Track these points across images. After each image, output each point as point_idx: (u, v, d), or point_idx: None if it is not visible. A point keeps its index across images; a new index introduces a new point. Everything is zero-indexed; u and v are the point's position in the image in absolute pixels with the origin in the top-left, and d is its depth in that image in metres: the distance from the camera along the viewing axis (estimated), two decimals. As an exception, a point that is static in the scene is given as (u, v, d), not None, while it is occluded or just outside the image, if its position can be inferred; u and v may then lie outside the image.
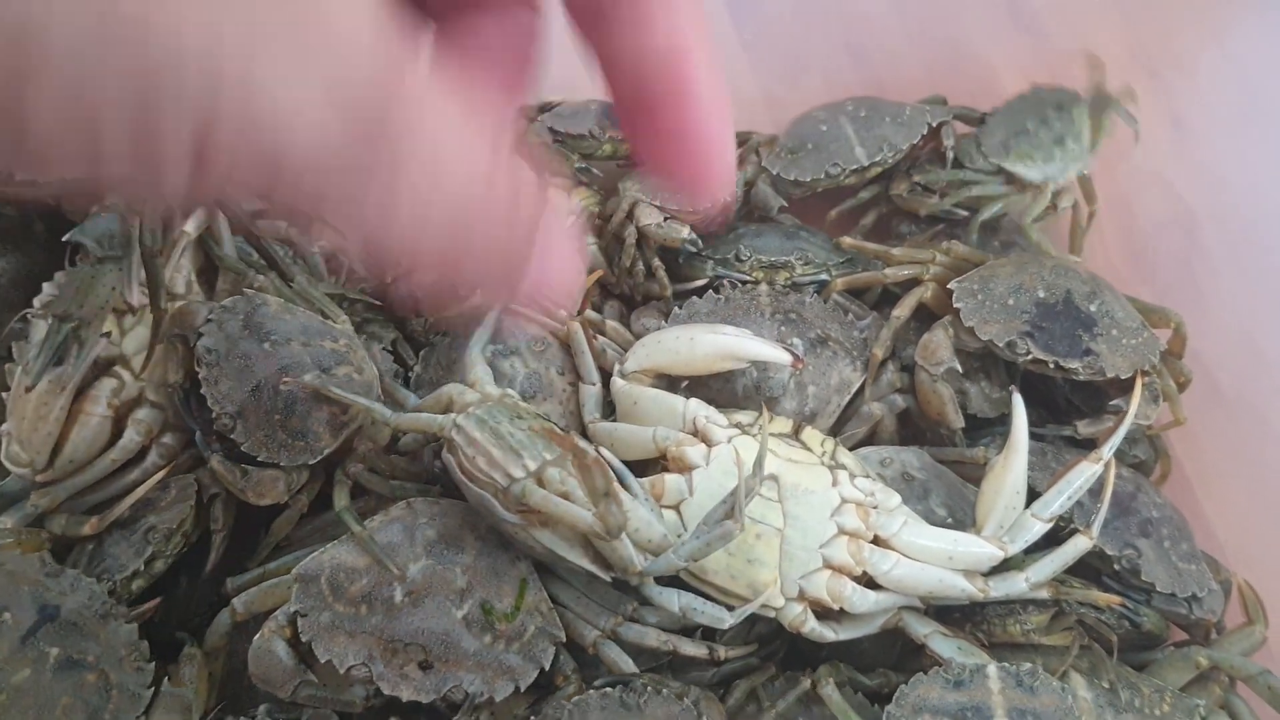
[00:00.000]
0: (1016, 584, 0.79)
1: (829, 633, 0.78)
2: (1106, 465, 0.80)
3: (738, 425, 0.82)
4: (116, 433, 0.83)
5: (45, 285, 0.83)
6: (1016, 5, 1.23)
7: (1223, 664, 0.84)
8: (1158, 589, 0.85)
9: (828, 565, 0.78)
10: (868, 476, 0.82)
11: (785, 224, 1.04)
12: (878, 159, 1.01)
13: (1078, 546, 0.79)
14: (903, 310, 0.94)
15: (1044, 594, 0.80)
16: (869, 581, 0.79)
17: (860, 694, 0.80)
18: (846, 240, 0.98)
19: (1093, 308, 0.91)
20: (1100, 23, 1.24)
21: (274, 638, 0.72)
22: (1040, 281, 0.92)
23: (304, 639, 0.71)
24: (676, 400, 0.84)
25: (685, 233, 0.95)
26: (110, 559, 0.79)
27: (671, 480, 0.80)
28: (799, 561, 0.78)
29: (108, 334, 0.83)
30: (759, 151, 1.07)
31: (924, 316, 0.95)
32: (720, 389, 0.89)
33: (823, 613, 0.78)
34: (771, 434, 0.82)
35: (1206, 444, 0.98)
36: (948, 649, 0.78)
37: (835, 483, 0.80)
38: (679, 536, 0.74)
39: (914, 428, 0.93)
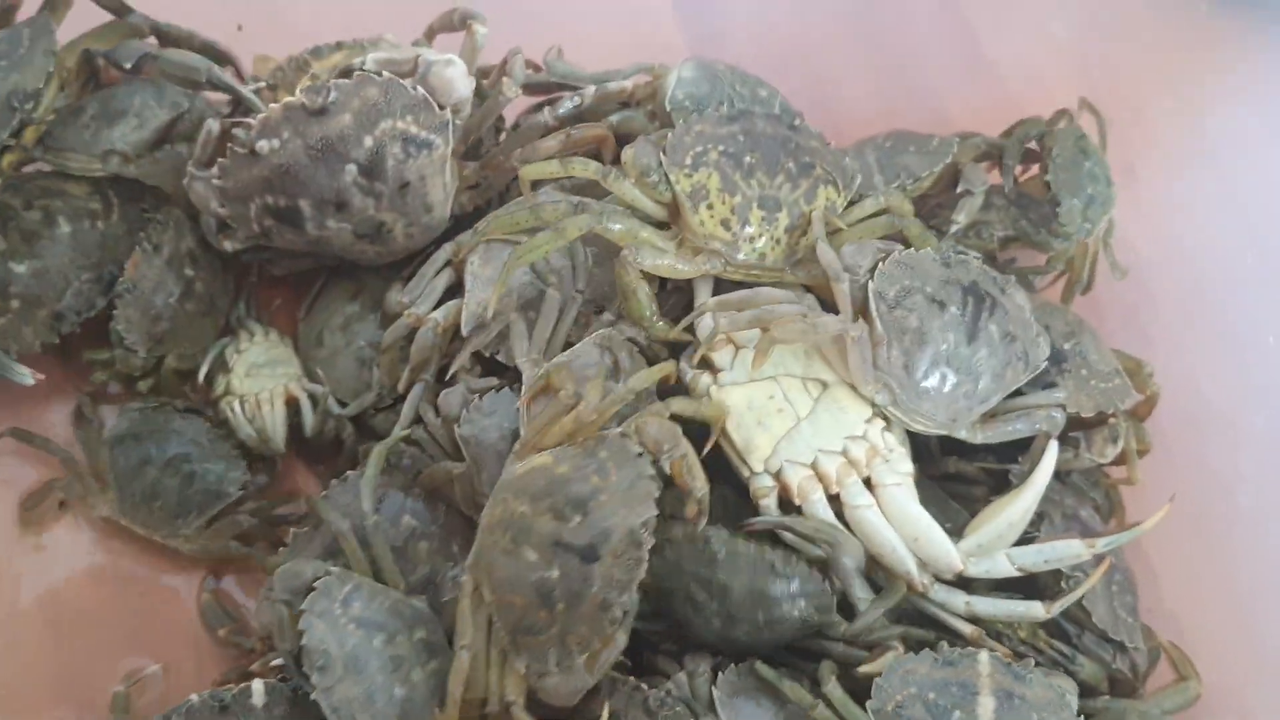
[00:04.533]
0: (956, 600, 0.82)
1: (775, 517, 0.82)
2: (1099, 559, 0.83)
3: None
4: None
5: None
6: (973, 54, 1.27)
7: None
8: (1094, 620, 0.86)
9: (814, 467, 0.82)
10: (902, 445, 0.86)
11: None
12: (895, 185, 1.02)
13: (1031, 611, 0.82)
14: None
15: (967, 629, 0.82)
16: (838, 509, 0.82)
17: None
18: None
19: (1066, 346, 0.95)
20: (1055, 71, 1.26)
21: None
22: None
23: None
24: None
25: None
26: None
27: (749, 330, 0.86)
28: (795, 448, 0.82)
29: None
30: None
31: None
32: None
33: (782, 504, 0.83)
34: None
35: (1151, 489, 0.99)
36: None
37: (868, 422, 0.85)
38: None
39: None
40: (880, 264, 0.85)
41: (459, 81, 0.90)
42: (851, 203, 0.93)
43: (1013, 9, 1.29)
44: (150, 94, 0.98)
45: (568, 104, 0.96)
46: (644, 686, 0.79)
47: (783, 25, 1.28)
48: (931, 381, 0.83)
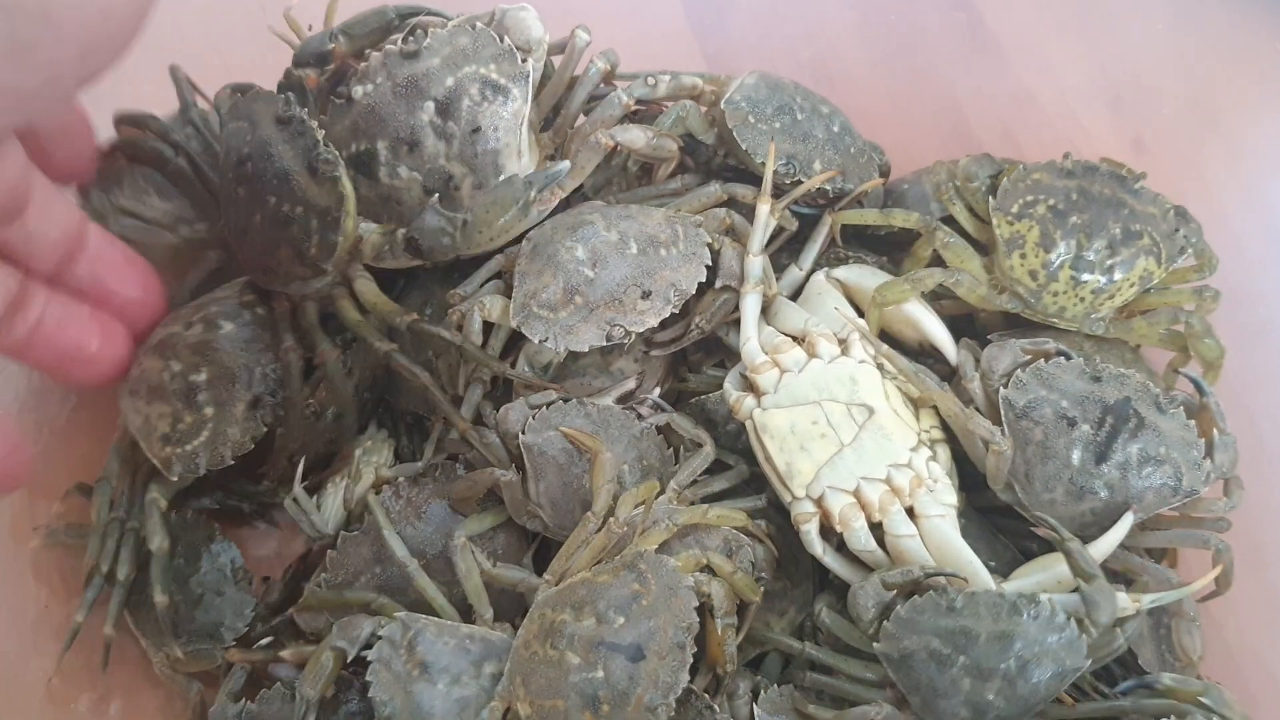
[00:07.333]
0: None
1: (817, 546, 0.83)
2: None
3: (879, 365, 0.89)
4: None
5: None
6: (977, 30, 1.25)
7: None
8: (1140, 663, 0.85)
9: (856, 494, 0.83)
10: (949, 476, 0.86)
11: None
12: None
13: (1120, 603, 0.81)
14: None
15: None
16: (879, 537, 0.83)
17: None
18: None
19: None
20: (1061, 47, 1.25)
21: None
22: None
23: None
24: (851, 312, 0.92)
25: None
26: None
27: (795, 354, 0.88)
28: (838, 474, 0.83)
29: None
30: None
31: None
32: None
33: (823, 531, 0.84)
34: (896, 383, 0.89)
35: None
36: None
37: (914, 449, 0.85)
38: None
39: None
40: (1019, 371, 0.86)
41: (532, 22, 0.95)
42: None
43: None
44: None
45: (641, 87, 0.98)
46: (715, 707, 0.78)
47: (788, 8, 1.27)
48: (1054, 495, 0.84)
